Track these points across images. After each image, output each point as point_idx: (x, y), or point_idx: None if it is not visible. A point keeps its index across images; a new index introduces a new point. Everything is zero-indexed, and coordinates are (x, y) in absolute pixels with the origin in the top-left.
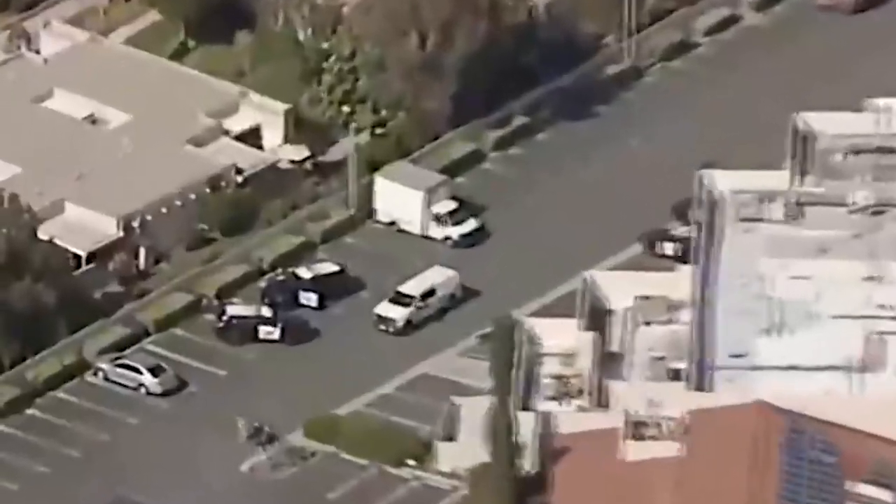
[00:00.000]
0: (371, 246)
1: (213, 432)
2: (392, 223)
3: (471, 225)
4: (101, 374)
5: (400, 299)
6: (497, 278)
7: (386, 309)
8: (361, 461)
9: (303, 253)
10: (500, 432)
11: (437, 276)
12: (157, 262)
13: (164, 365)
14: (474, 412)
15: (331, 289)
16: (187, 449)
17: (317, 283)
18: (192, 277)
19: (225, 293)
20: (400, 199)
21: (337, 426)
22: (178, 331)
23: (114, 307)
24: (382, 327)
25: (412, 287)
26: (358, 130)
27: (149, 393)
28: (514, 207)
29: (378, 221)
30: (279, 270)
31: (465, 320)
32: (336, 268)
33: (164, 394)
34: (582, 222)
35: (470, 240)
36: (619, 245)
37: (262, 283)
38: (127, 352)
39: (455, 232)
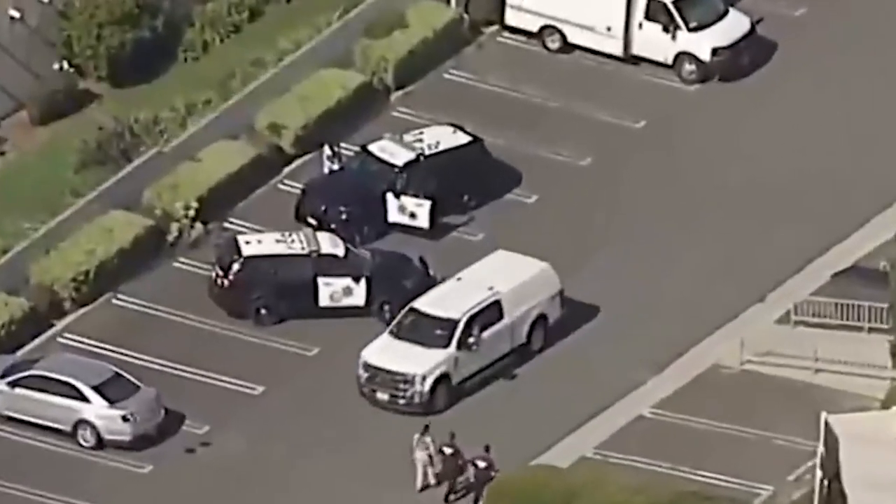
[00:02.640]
0: (509, 85)
1: None
2: (546, 30)
3: (735, 27)
4: None
5: (418, 331)
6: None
7: (384, 354)
8: None
9: (354, 111)
10: None
11: (505, 277)
12: None
13: (126, 376)
14: (870, 444)
15: (448, 185)
16: None
17: (422, 175)
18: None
19: (211, 208)
20: None
21: (565, 494)
22: (126, 299)
23: None
24: (380, 395)
25: (447, 301)
26: None
27: (100, 444)
28: None
29: (511, 29)
30: (326, 149)
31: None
32: (462, 139)
33: (136, 444)
34: None
35: (733, 64)
36: None
37: (291, 184)
38: (21, 353)
39: (703, 43)
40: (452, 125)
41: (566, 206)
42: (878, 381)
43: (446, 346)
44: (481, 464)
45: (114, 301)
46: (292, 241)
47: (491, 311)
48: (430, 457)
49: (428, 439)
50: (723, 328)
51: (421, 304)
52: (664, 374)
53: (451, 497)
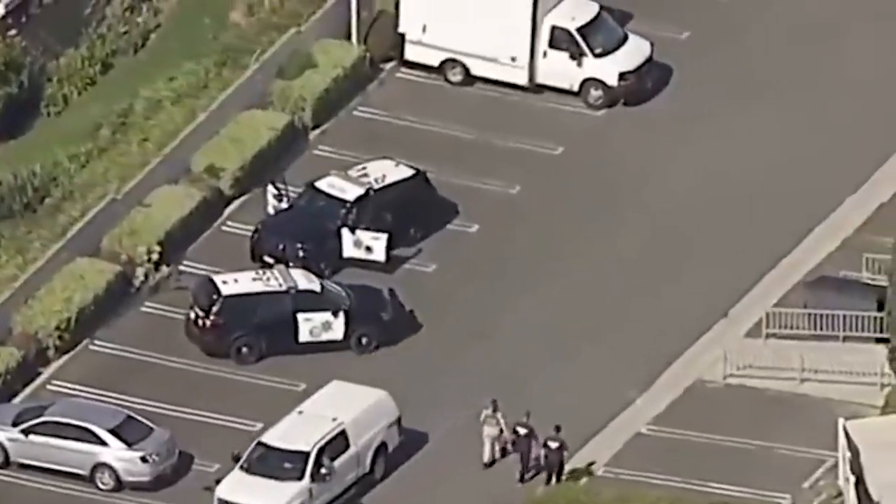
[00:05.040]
0: (420, 120)
1: None
2: (448, 64)
3: (637, 51)
4: None
5: (269, 465)
6: None
7: (239, 490)
8: None
9: (282, 151)
10: None
11: (346, 406)
12: None
13: (139, 418)
14: (891, 447)
15: (396, 217)
16: None
17: (373, 209)
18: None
19: (166, 252)
20: (460, 6)
21: None
22: (103, 345)
23: None
24: None
25: (295, 434)
26: None
27: (119, 486)
28: None
29: (409, 64)
30: (271, 188)
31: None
32: (406, 172)
33: (154, 484)
34: None
35: (637, 88)
36: None
37: (234, 224)
38: (19, 399)
39: (610, 68)
40: (390, 158)
41: (508, 233)
42: (866, 388)
43: (300, 478)
44: (553, 444)
45: (91, 347)
46: (268, 278)
47: (338, 442)
48: (501, 431)
49: (499, 415)
50: (695, 345)
51: (269, 438)
52: (650, 391)
53: (526, 476)
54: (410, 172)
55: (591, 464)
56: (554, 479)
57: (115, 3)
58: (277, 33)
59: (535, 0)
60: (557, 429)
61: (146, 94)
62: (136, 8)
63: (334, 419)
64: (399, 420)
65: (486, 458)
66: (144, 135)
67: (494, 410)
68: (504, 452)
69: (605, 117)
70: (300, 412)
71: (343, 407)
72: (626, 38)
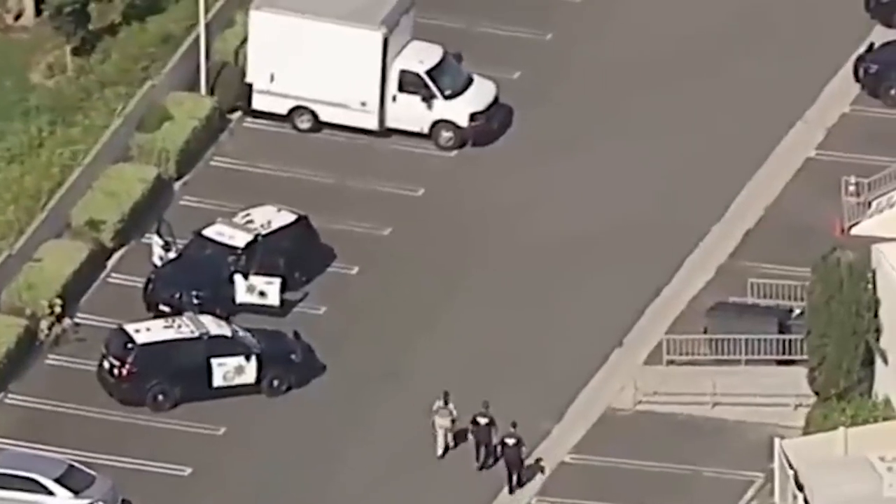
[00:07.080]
0: (276, 167)
1: None
2: (296, 111)
3: (484, 92)
4: None
5: None
6: None
7: None
8: None
9: (153, 203)
10: None
11: None
12: None
13: (81, 467)
14: (827, 465)
15: (284, 262)
16: None
17: (262, 254)
18: None
19: (68, 302)
20: (308, 54)
21: None
22: (17, 398)
23: None
24: None
25: None
26: None
27: None
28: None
29: (256, 113)
30: (157, 238)
31: None
32: (290, 217)
33: None
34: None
35: (485, 128)
36: None
37: (118, 276)
38: None
39: (460, 110)
40: (270, 204)
41: (389, 274)
42: (779, 409)
43: None
44: (510, 441)
45: (6, 401)
46: (179, 326)
47: None
48: (453, 422)
49: (450, 406)
50: (598, 374)
51: None
52: (563, 421)
53: (486, 464)
54: (294, 217)
55: (539, 460)
56: (516, 479)
57: None
58: (106, 89)
59: (384, 45)
60: (513, 425)
61: None
62: None
63: None
64: None
65: (440, 449)
66: None
67: (446, 403)
68: (455, 442)
69: (458, 158)
70: None
71: None
72: (471, 80)
